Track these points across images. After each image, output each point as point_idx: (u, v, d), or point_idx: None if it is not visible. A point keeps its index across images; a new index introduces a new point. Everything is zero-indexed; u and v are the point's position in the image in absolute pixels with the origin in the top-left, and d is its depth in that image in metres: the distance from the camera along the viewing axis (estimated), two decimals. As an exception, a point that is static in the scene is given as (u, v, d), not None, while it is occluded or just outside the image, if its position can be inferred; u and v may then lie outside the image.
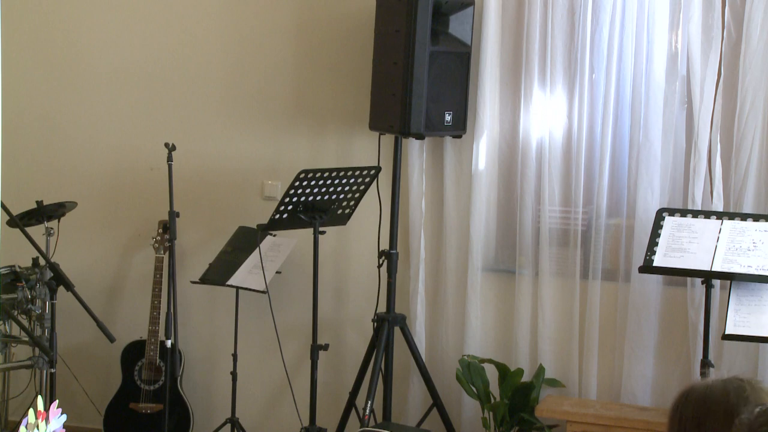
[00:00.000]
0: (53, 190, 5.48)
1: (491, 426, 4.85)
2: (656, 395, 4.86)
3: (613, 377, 4.93)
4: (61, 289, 4.53)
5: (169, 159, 4.92)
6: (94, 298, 5.32)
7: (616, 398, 4.90)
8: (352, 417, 5.09)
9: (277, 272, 5.08)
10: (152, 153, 5.29)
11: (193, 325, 5.55)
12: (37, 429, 2.31)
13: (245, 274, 5.07)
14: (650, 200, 4.79)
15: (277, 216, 4.76)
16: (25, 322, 4.90)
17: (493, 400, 4.88)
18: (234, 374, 5.18)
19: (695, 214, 4.47)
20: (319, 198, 4.80)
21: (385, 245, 5.07)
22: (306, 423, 4.98)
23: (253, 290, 5.01)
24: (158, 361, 5.28)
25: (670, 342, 4.86)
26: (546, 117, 4.97)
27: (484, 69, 4.98)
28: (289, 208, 4.76)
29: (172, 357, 4.96)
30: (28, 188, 5.37)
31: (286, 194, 4.73)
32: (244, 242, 5.18)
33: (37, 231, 5.02)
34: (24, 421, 2.31)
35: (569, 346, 4.96)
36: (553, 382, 4.94)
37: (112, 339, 4.53)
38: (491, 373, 4.92)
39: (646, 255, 4.41)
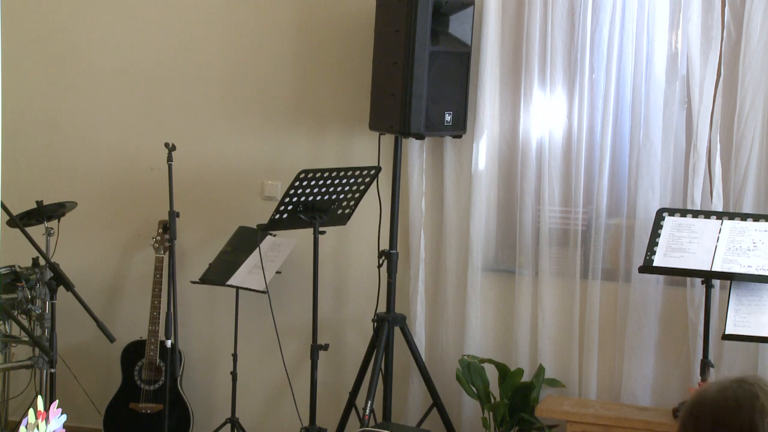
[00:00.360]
0: (53, 190, 5.48)
1: (491, 426, 4.85)
2: (656, 395, 4.86)
3: (613, 377, 4.93)
4: (61, 289, 4.52)
5: (169, 159, 4.92)
6: (94, 298, 5.32)
7: (616, 398, 4.90)
8: (352, 417, 5.09)
9: (277, 272, 5.08)
10: (152, 153, 5.29)
11: (193, 325, 5.55)
12: (37, 429, 2.31)
13: (245, 274, 5.07)
14: (650, 200, 4.79)
15: (277, 216, 4.76)
16: (25, 322, 4.90)
17: (493, 400, 4.88)
18: (234, 374, 5.18)
19: (695, 214, 4.48)
20: (319, 198, 4.80)
21: (385, 245, 5.07)
22: (306, 423, 4.98)
23: (253, 290, 5.01)
24: (158, 361, 5.28)
25: (670, 342, 4.86)
26: (546, 117, 4.97)
27: (484, 69, 4.98)
28: (289, 208, 4.76)
29: (172, 357, 4.96)
30: (28, 188, 5.37)
31: (286, 194, 4.73)
32: (244, 242, 5.18)
33: (37, 231, 5.02)
34: (24, 421, 2.32)
35: (569, 346, 4.97)
36: (553, 382, 4.94)
37: (112, 339, 4.53)
38: (491, 373, 4.92)
39: (646, 255, 4.41)
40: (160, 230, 5.35)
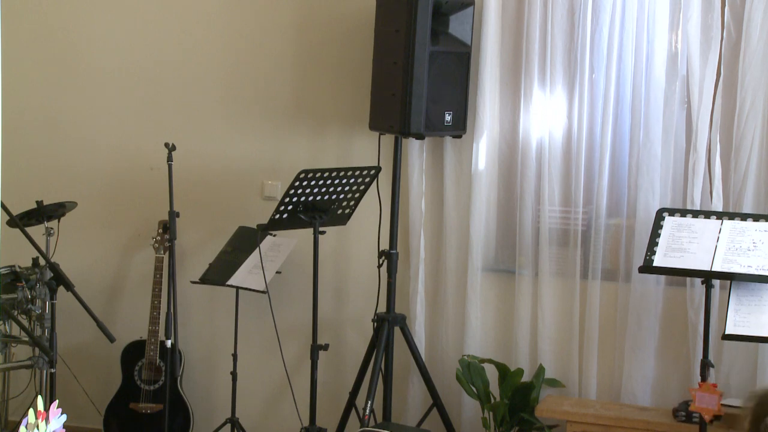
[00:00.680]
0: (53, 190, 5.48)
1: (491, 426, 4.85)
2: (656, 395, 4.86)
3: (613, 377, 4.93)
4: (61, 289, 4.52)
5: (169, 159, 4.92)
6: (94, 298, 5.32)
7: (616, 398, 4.90)
8: (352, 417, 5.09)
9: (277, 272, 5.08)
10: (152, 153, 5.29)
11: (193, 325, 5.55)
12: (37, 429, 2.31)
13: (245, 274, 5.07)
14: (650, 200, 4.79)
15: (277, 216, 4.76)
16: (25, 322, 4.90)
17: (493, 400, 4.88)
18: (234, 374, 5.18)
19: (695, 214, 4.47)
20: (319, 198, 4.80)
21: (385, 245, 5.07)
22: (306, 423, 4.98)
23: (253, 290, 5.01)
24: (158, 361, 5.28)
25: (670, 342, 4.86)
26: (546, 117, 4.97)
27: (484, 69, 4.98)
28: (289, 208, 4.76)
29: (172, 357, 4.96)
30: (28, 188, 5.37)
31: (286, 194, 4.73)
32: (244, 242, 5.18)
33: (37, 231, 5.02)
34: (24, 421, 2.31)
35: (569, 346, 4.97)
36: (553, 382, 4.94)
37: (112, 339, 4.53)
38: (491, 373, 4.92)
39: (646, 255, 4.41)
40: (160, 230, 5.35)
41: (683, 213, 4.50)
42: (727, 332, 4.16)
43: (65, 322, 5.01)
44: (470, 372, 4.89)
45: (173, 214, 4.92)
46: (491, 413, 4.85)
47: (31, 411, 2.32)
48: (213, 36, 5.54)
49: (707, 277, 4.30)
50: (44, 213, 5.12)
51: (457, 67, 4.90)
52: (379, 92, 4.92)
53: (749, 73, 4.62)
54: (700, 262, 4.30)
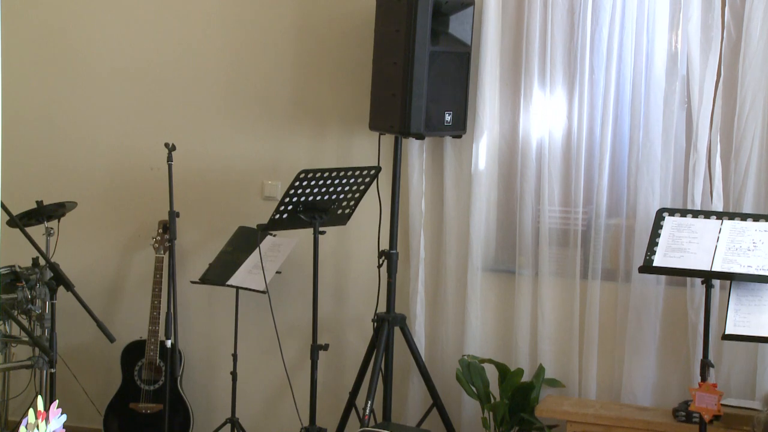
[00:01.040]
0: (53, 190, 5.48)
1: (491, 426, 4.85)
2: (656, 395, 4.86)
3: (613, 377, 4.93)
4: (61, 289, 4.52)
5: (169, 159, 4.92)
6: (94, 298, 5.32)
7: (616, 398, 4.91)
8: (352, 417, 5.09)
9: (277, 272, 5.08)
10: (152, 153, 5.29)
11: (193, 325, 5.55)
12: (37, 429, 2.31)
13: (245, 274, 5.07)
14: (650, 200, 4.79)
15: (277, 216, 4.76)
16: (25, 322, 4.90)
17: (493, 400, 4.88)
18: (234, 374, 5.18)
19: (695, 214, 4.47)
20: (319, 198, 4.80)
21: (385, 245, 5.07)
22: (306, 423, 4.98)
23: (253, 290, 5.01)
24: (158, 361, 5.28)
25: (670, 342, 4.86)
26: (546, 117, 4.97)
27: (484, 69, 4.99)
28: (289, 208, 4.76)
29: (172, 357, 4.96)
30: (28, 188, 5.38)
31: (286, 194, 4.73)
32: (244, 242, 5.18)
33: (37, 231, 5.02)
34: (24, 421, 2.31)
35: (569, 346, 4.97)
36: (553, 382, 4.94)
37: (112, 339, 4.53)
38: (491, 373, 4.92)
39: (646, 255, 4.41)
40: (160, 230, 5.35)
41: (683, 213, 4.49)
42: (727, 332, 4.16)
43: (65, 322, 5.01)
44: (470, 372, 4.89)
45: (173, 214, 4.92)
46: (491, 413, 4.85)
47: (31, 411, 2.32)
48: (213, 36, 5.54)
49: (707, 277, 4.30)
50: (44, 213, 5.12)
51: (457, 67, 4.90)
52: (379, 92, 4.93)
53: (749, 73, 4.62)
54: (700, 262, 4.30)
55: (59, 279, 4.49)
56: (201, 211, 5.53)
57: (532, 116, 4.99)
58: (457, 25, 4.89)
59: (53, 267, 4.53)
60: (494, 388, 4.91)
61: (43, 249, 4.91)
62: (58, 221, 5.26)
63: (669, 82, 4.76)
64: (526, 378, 4.90)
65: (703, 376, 4.29)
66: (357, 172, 4.86)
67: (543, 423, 4.78)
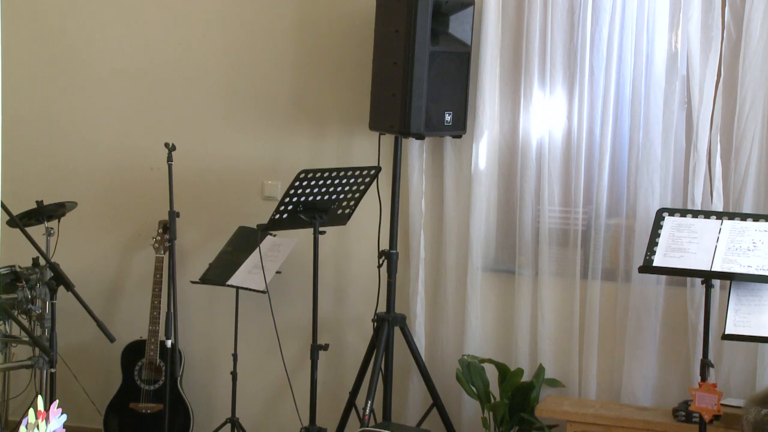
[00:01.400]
0: (53, 190, 5.48)
1: (491, 426, 4.85)
2: (656, 395, 4.86)
3: (613, 377, 4.93)
4: (61, 289, 4.52)
5: (169, 159, 4.92)
6: (94, 298, 5.32)
7: (616, 398, 4.90)
8: (352, 417, 5.09)
9: (277, 272, 5.08)
10: (152, 153, 5.29)
11: (193, 325, 5.55)
12: (37, 429, 2.31)
13: (245, 274, 5.07)
14: (650, 200, 4.79)
15: (277, 216, 4.76)
16: (25, 322, 4.90)
17: (493, 400, 4.88)
18: (234, 374, 5.18)
19: (695, 214, 4.47)
20: (319, 198, 4.80)
21: (385, 245, 5.07)
22: (306, 423, 4.98)
23: (253, 290, 5.01)
24: (158, 361, 5.28)
25: (670, 342, 4.85)
26: (546, 117, 4.97)
27: (484, 69, 4.98)
28: (289, 208, 4.76)
29: (172, 357, 4.96)
30: (28, 188, 5.38)
31: (286, 194, 4.73)
32: (244, 242, 5.18)
33: (37, 231, 5.02)
34: (24, 421, 2.31)
35: (569, 346, 4.97)
36: (553, 382, 4.94)
37: (112, 339, 4.53)
38: (491, 373, 4.92)
39: (646, 255, 4.41)
40: (160, 230, 5.35)
41: (683, 213, 4.49)
42: (727, 332, 4.16)
43: (65, 322, 5.01)
44: (470, 372, 4.89)
45: (173, 214, 4.92)
46: (491, 413, 4.85)
47: (31, 411, 2.32)
48: (213, 36, 5.54)
49: (707, 277, 4.30)
50: (44, 213, 5.12)
51: (457, 67, 4.90)
52: (379, 92, 4.93)
53: (749, 73, 4.62)
54: (700, 262, 4.30)
55: (59, 279, 4.49)
56: (201, 211, 5.53)
57: (532, 116, 4.99)
58: (457, 25, 4.89)
59: (53, 267, 4.53)
60: (494, 388, 4.91)
61: (43, 249, 4.91)
62: (58, 221, 5.26)
63: (669, 82, 4.76)
64: (526, 378, 4.90)
65: (703, 376, 4.29)
66: (357, 172, 4.86)
67: (543, 423, 4.78)
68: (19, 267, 4.97)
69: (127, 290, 5.70)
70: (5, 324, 4.98)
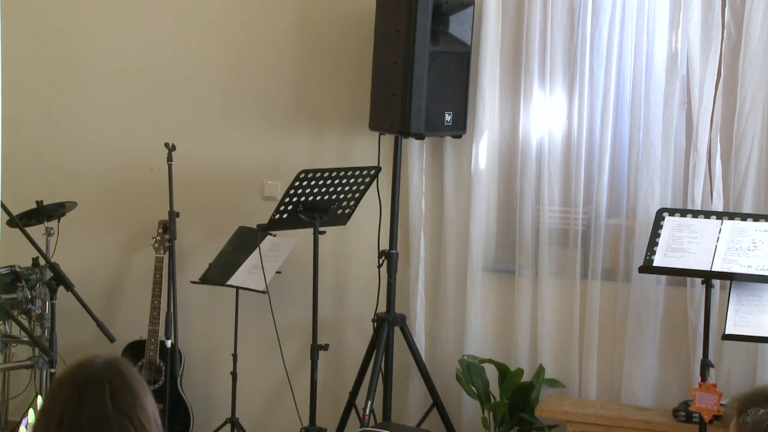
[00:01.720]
0: (53, 190, 5.48)
1: (491, 426, 4.85)
2: (656, 395, 4.86)
3: (613, 377, 4.93)
4: (61, 289, 4.52)
5: (169, 159, 4.93)
6: (94, 298, 5.32)
7: (616, 398, 4.90)
8: (352, 417, 5.09)
9: (277, 272, 5.08)
10: (152, 153, 5.29)
11: (193, 325, 5.55)
12: (37, 429, 2.30)
13: (245, 274, 5.07)
14: (650, 200, 4.79)
15: (277, 216, 4.76)
16: (25, 322, 4.90)
17: (493, 400, 4.88)
18: (234, 374, 5.18)
19: (695, 214, 4.47)
20: (319, 198, 4.80)
21: (385, 245, 5.07)
22: (306, 423, 4.98)
23: (253, 290, 5.01)
24: (158, 361, 5.28)
25: (670, 342, 4.85)
26: (546, 117, 4.97)
27: (484, 69, 4.98)
28: (289, 208, 4.76)
29: (172, 357, 4.96)
30: (28, 188, 5.38)
31: (286, 194, 4.73)
32: (244, 242, 5.18)
33: (37, 231, 5.02)
34: (24, 421, 2.32)
35: (569, 346, 4.96)
36: (553, 382, 4.94)
37: (112, 339, 4.53)
38: (491, 373, 4.92)
39: (646, 255, 4.41)
40: (160, 230, 5.35)
41: (683, 213, 4.49)
42: (727, 332, 4.16)
43: (65, 322, 5.01)
44: (470, 372, 4.89)
45: (173, 214, 4.92)
46: (491, 413, 4.85)
47: (31, 411, 2.32)
48: (213, 36, 5.54)
49: (707, 277, 4.30)
50: (44, 213, 5.12)
51: (457, 67, 4.90)
52: (379, 92, 4.92)
53: (749, 74, 4.62)
54: (700, 262, 4.30)
55: (59, 279, 4.49)
56: (201, 211, 5.53)
57: (532, 116, 4.99)
58: (457, 25, 4.89)
59: (53, 267, 4.53)
60: (494, 388, 4.91)
61: (43, 249, 4.91)
62: (58, 221, 5.26)
63: (669, 82, 4.76)
64: (526, 378, 4.90)
65: (703, 376, 4.29)
66: (357, 172, 4.86)
67: (543, 423, 4.78)
68: (19, 267, 4.98)
69: (127, 290, 5.70)
70: (5, 324, 4.98)
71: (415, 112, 4.75)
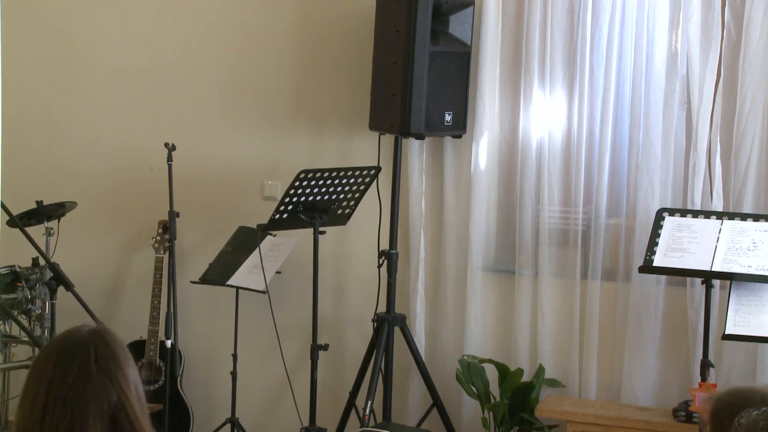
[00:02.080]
0: (53, 190, 5.48)
1: (491, 426, 4.85)
2: (656, 395, 4.86)
3: (613, 377, 4.93)
4: (61, 289, 4.53)
5: (169, 159, 4.92)
6: (94, 298, 5.31)
7: (616, 398, 4.90)
8: (352, 417, 5.09)
9: (277, 272, 5.08)
10: (152, 153, 5.29)
11: (193, 325, 5.55)
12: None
13: (245, 274, 5.07)
14: (650, 200, 4.79)
15: (277, 216, 4.76)
16: (25, 322, 4.90)
17: (493, 400, 4.88)
18: (234, 374, 5.18)
19: (695, 214, 4.47)
20: (319, 198, 4.80)
21: (385, 245, 5.07)
22: (306, 423, 4.98)
23: (253, 290, 5.01)
24: (158, 361, 5.28)
25: (670, 342, 4.85)
26: (546, 117, 4.97)
27: (484, 69, 4.98)
28: (289, 208, 4.76)
29: (172, 357, 4.96)
30: (28, 188, 5.37)
31: (286, 194, 4.73)
32: (244, 242, 5.17)
33: (37, 231, 5.02)
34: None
35: (569, 346, 4.96)
36: (553, 382, 4.94)
37: (112, 339, 4.52)
38: (491, 373, 4.92)
39: (646, 255, 4.41)
40: (160, 230, 5.35)
41: (683, 213, 4.50)
42: (727, 332, 4.16)
43: (65, 322, 4.96)
44: (470, 372, 4.89)
45: (173, 214, 4.92)
46: (491, 413, 4.85)
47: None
48: (213, 36, 5.54)
49: (707, 277, 4.30)
50: (44, 213, 5.12)
51: (457, 67, 4.90)
52: (379, 92, 4.92)
53: (749, 74, 4.62)
54: (700, 262, 4.30)
55: (59, 279, 4.50)
56: (201, 211, 5.53)
57: (532, 116, 4.99)
58: (457, 25, 4.89)
59: (53, 267, 4.53)
60: (494, 388, 4.91)
61: (43, 249, 4.91)
62: (58, 221, 5.26)
63: (669, 82, 4.76)
64: (526, 378, 4.90)
65: (703, 376, 4.30)
66: (357, 172, 4.86)
67: (543, 423, 4.78)
68: (19, 267, 4.97)
69: (127, 290, 5.70)
70: (5, 324, 4.98)
71: (415, 112, 4.75)
